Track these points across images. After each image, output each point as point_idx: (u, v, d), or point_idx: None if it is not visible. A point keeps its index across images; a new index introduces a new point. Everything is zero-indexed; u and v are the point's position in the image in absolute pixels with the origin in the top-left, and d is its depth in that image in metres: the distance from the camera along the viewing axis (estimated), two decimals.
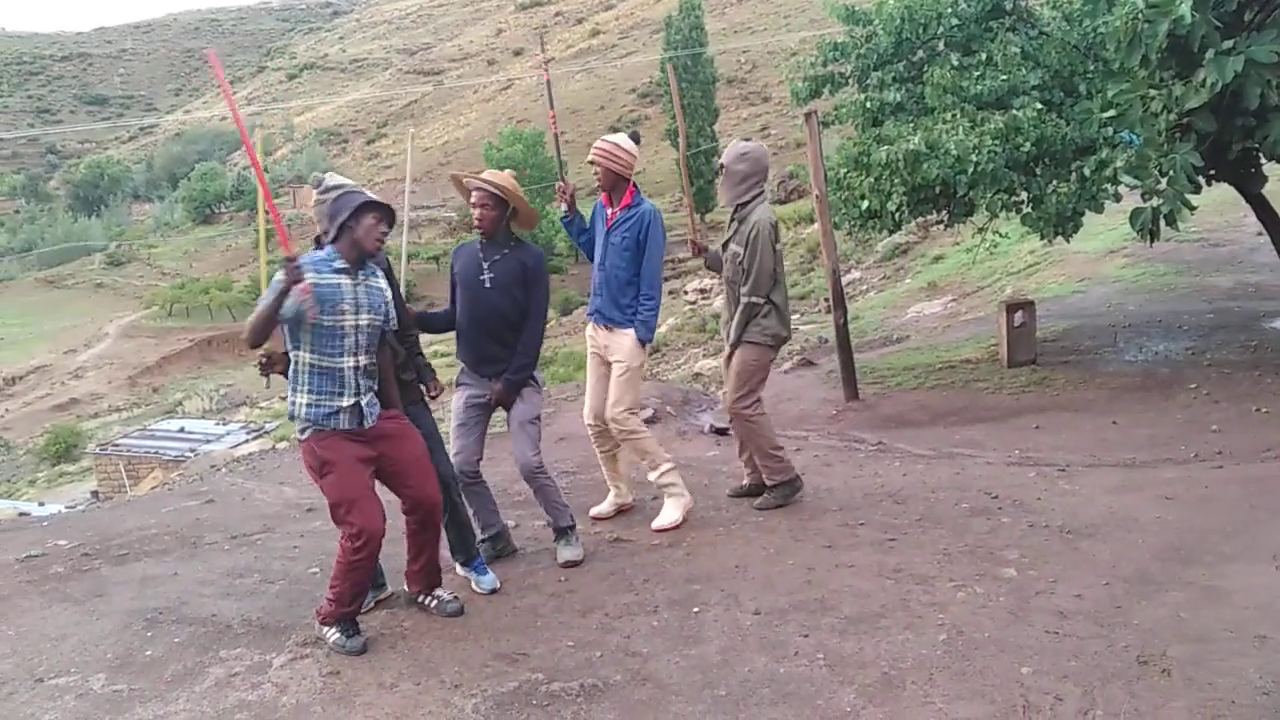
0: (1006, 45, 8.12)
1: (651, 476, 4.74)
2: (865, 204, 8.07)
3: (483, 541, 4.39)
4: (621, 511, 4.96)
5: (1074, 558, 4.03)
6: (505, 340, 4.24)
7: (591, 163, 4.55)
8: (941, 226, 10.42)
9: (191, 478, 8.97)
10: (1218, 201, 10.81)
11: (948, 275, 15.86)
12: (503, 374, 4.25)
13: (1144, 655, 3.16)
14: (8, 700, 3.30)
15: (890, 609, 3.63)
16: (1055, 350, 8.76)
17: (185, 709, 3.19)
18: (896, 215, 8.10)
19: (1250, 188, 7.54)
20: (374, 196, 3.55)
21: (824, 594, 3.81)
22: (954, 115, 7.73)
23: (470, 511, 4.33)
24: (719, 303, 5.32)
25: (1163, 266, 11.33)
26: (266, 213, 3.60)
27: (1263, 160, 7.04)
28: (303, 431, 3.53)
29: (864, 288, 19.23)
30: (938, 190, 7.78)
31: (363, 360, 3.52)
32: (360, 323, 3.49)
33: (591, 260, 4.71)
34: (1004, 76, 7.90)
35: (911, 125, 8.04)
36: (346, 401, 3.48)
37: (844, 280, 9.36)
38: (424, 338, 4.34)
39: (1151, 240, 6.51)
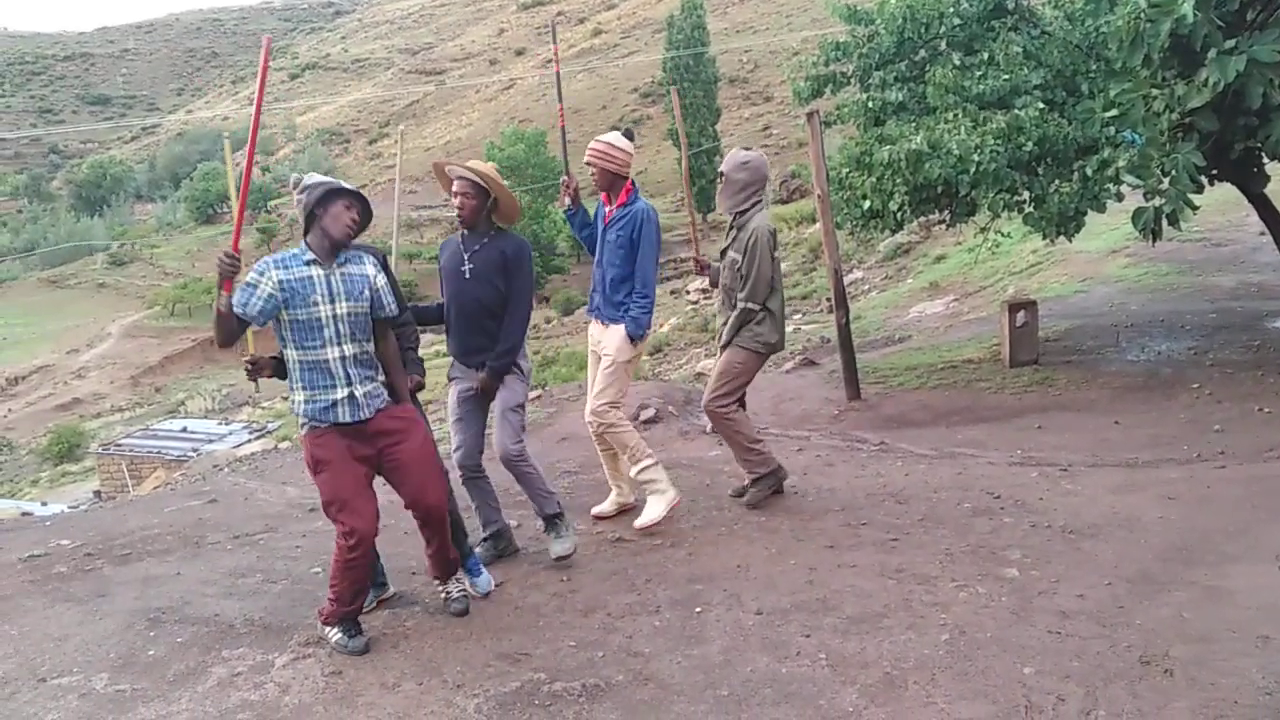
0: (1008, 45, 8.11)
1: (633, 472, 4.70)
2: (867, 203, 8.07)
3: (484, 540, 4.39)
4: (623, 511, 4.95)
5: (1076, 558, 4.03)
6: (489, 330, 4.20)
7: (588, 163, 4.56)
8: (943, 226, 10.40)
9: (194, 477, 8.99)
10: (1220, 201, 10.80)
11: (950, 275, 15.85)
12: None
13: (1146, 655, 3.15)
14: (10, 700, 3.31)
15: (892, 609, 3.63)
16: (1057, 350, 8.75)
17: (188, 709, 3.19)
18: (898, 215, 8.10)
19: (1252, 187, 7.54)
20: (345, 185, 3.53)
21: (826, 594, 3.81)
22: (956, 115, 7.73)
23: (472, 505, 4.33)
24: (719, 303, 5.33)
25: (1165, 266, 11.32)
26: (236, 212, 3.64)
27: (1265, 160, 7.04)
28: (303, 428, 3.54)
29: (866, 287, 19.23)
30: (940, 190, 7.78)
31: (350, 350, 3.47)
32: (338, 312, 3.43)
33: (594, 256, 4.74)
34: (1006, 76, 7.90)
35: (913, 125, 8.03)
36: (340, 393, 3.45)
37: (846, 280, 9.36)
38: (425, 338, 4.34)
39: (1154, 240, 6.51)
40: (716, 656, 3.37)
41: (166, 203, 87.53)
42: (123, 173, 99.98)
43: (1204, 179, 6.45)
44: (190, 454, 20.64)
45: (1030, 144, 7.40)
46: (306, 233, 3.50)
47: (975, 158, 7.26)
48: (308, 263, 3.44)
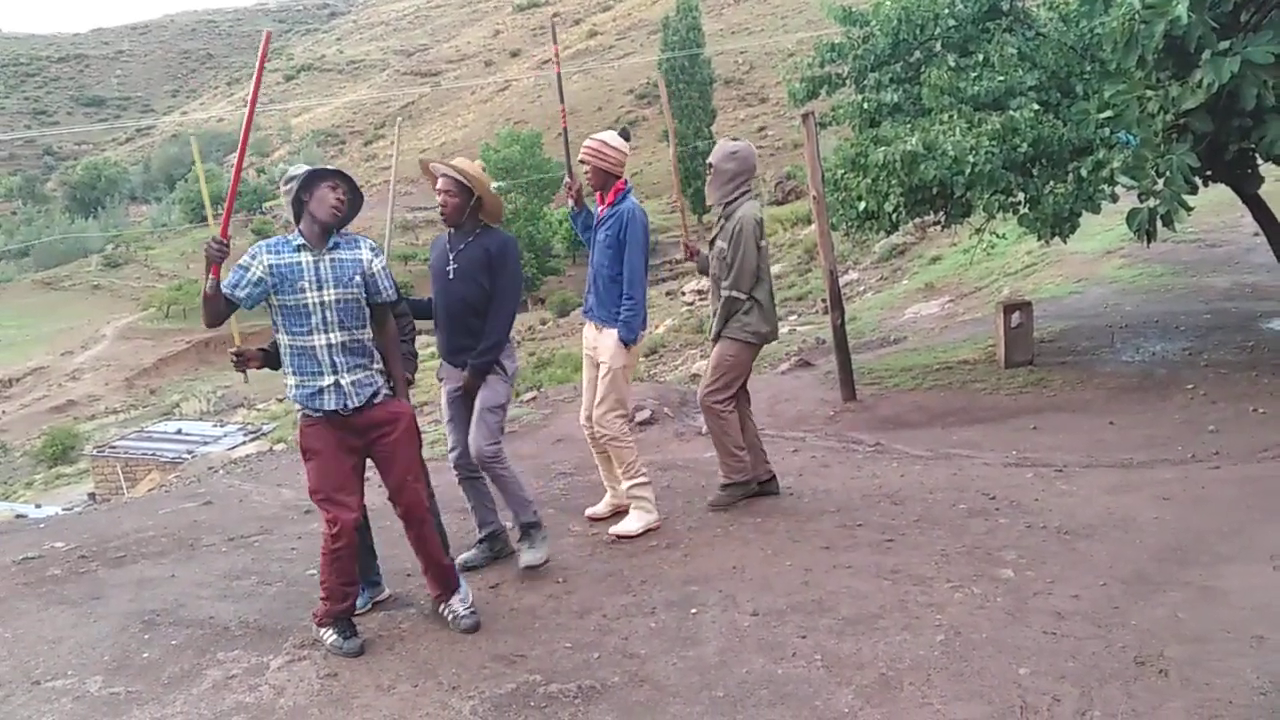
0: (1003, 46, 8.12)
1: (624, 486, 4.70)
2: (862, 205, 8.07)
3: (480, 541, 4.38)
4: (618, 512, 4.94)
5: (1071, 558, 4.03)
6: (474, 329, 4.17)
7: (582, 162, 4.57)
8: (939, 227, 10.43)
9: (189, 479, 8.96)
10: (1214, 202, 10.83)
11: (945, 276, 15.86)
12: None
13: (1141, 656, 3.16)
14: (5, 703, 3.30)
15: (888, 610, 3.63)
16: (1052, 351, 8.77)
17: (182, 711, 3.18)
18: (894, 216, 8.10)
19: (1247, 188, 7.56)
20: (328, 167, 3.53)
21: (822, 595, 3.81)
22: (951, 116, 7.74)
23: (468, 506, 4.31)
24: (711, 297, 5.30)
25: (1160, 267, 11.35)
26: (223, 203, 3.65)
27: (1259, 161, 7.05)
28: (299, 412, 3.55)
29: (861, 289, 19.24)
30: (935, 191, 7.78)
31: (338, 337, 3.44)
32: (326, 298, 3.41)
33: None
34: (1001, 77, 7.91)
35: (909, 126, 8.04)
36: (326, 381, 3.44)
37: (841, 281, 9.37)
38: (422, 339, 4.34)
39: (1148, 241, 6.52)
40: (712, 658, 3.37)
41: (161, 204, 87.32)
42: (117, 174, 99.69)
43: (1198, 180, 6.46)
44: (185, 456, 20.58)
45: (1025, 145, 7.41)
46: (296, 218, 3.50)
47: (970, 159, 7.27)
48: (298, 248, 3.43)
